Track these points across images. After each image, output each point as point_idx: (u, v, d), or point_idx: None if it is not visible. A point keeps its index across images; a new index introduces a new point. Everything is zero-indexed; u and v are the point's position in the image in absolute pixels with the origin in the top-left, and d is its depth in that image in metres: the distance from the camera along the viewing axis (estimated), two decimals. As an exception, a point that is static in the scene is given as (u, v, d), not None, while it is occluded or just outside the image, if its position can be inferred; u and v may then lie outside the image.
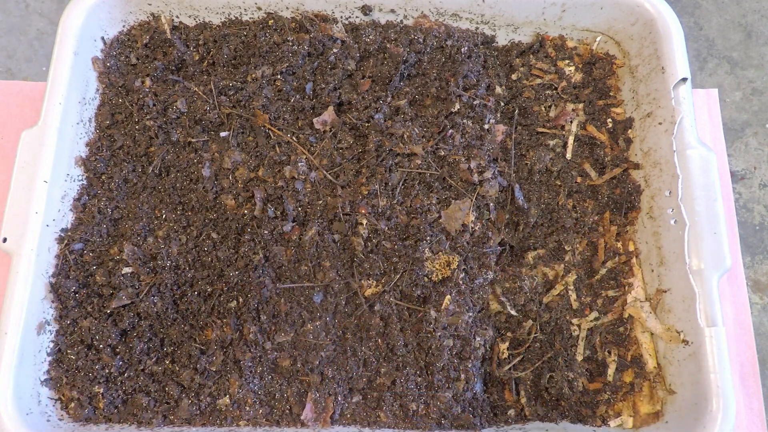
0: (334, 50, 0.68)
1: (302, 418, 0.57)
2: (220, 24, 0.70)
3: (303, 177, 0.62)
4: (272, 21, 0.69)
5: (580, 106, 0.68)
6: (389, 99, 0.66)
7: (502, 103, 0.68)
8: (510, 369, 0.60)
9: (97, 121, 0.66)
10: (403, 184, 0.62)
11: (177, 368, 0.58)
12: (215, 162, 0.64)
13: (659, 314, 0.60)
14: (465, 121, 0.64)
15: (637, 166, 0.65)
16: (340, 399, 0.58)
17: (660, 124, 0.63)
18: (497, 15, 0.69)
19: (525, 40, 0.72)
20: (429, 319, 0.58)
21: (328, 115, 0.65)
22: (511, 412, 0.59)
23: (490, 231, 0.61)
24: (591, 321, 0.61)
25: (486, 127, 0.65)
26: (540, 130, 0.67)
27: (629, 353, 0.60)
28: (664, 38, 0.63)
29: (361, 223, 0.60)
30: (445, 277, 0.59)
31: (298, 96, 0.66)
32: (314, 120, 0.65)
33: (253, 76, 0.66)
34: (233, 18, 0.69)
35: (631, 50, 0.68)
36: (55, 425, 0.56)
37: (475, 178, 0.61)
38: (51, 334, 0.58)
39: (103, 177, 0.64)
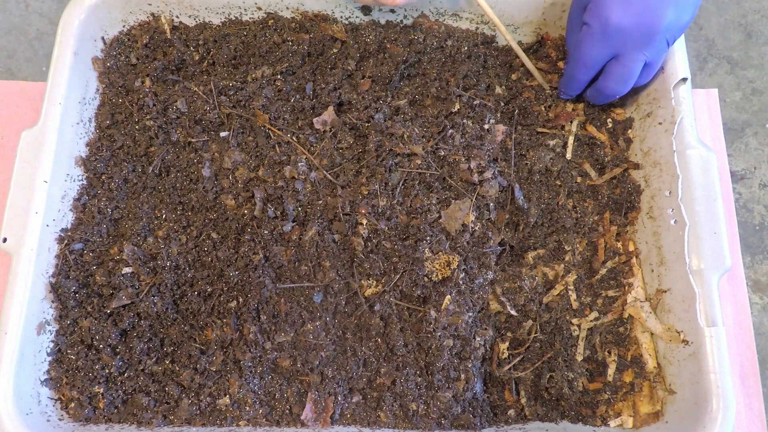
0: (334, 50, 0.68)
1: (302, 418, 0.57)
2: (220, 24, 0.70)
3: (303, 177, 0.62)
4: (272, 21, 0.69)
5: (580, 106, 0.68)
6: (389, 99, 0.66)
7: (502, 103, 0.68)
8: (510, 369, 0.60)
9: (97, 121, 0.66)
10: (403, 184, 0.62)
11: (177, 368, 0.58)
12: (215, 162, 0.64)
13: (659, 314, 0.60)
14: (465, 121, 0.64)
15: (637, 166, 0.65)
16: (340, 399, 0.58)
17: (660, 124, 0.63)
18: (497, 15, 0.69)
19: (525, 40, 0.72)
20: (429, 319, 0.58)
21: (328, 115, 0.65)
22: (511, 412, 0.59)
23: (490, 231, 0.61)
24: (591, 321, 0.61)
25: (486, 127, 0.65)
26: (540, 130, 0.67)
27: (629, 353, 0.60)
28: (664, 38, 0.63)
29: (361, 223, 0.60)
30: (445, 277, 0.59)
31: (298, 96, 0.66)
32: (314, 120, 0.65)
33: (253, 76, 0.66)
34: (233, 18, 0.69)
35: (631, 50, 0.68)
36: (55, 425, 0.56)
37: (475, 178, 0.61)
38: (51, 334, 0.58)
39: (103, 177, 0.64)
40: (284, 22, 0.69)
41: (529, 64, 0.67)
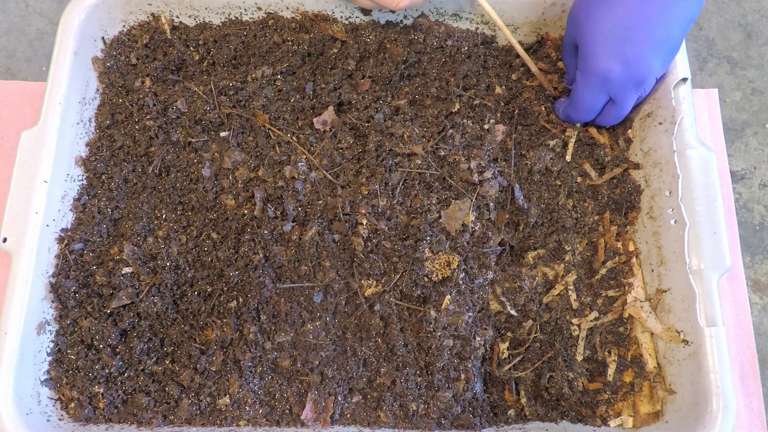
0: (334, 50, 0.68)
1: (302, 418, 0.57)
2: (220, 24, 0.70)
3: (303, 177, 0.62)
4: (272, 21, 0.69)
5: (580, 106, 0.68)
6: (389, 99, 0.66)
7: (502, 103, 0.68)
8: (510, 369, 0.60)
9: (97, 121, 0.66)
10: (403, 184, 0.62)
11: (177, 368, 0.58)
12: (215, 162, 0.64)
13: (659, 314, 0.60)
14: (465, 121, 0.64)
15: (637, 166, 0.65)
16: (340, 399, 0.58)
17: (660, 124, 0.63)
18: (497, 15, 0.69)
19: (525, 40, 0.72)
20: (429, 319, 0.58)
21: (328, 115, 0.65)
22: (511, 412, 0.59)
23: (490, 231, 0.61)
24: (591, 321, 0.61)
25: (486, 127, 0.65)
26: (540, 127, 0.67)
27: (629, 353, 0.60)
28: (664, 38, 0.63)
29: (361, 223, 0.60)
30: (445, 277, 0.59)
31: (298, 96, 0.66)
32: (314, 120, 0.65)
33: (253, 76, 0.66)
34: (233, 18, 0.69)
35: (631, 50, 0.68)
36: (55, 425, 0.56)
37: (475, 178, 0.61)
38: (51, 334, 0.58)
39: (103, 177, 0.64)
40: (284, 22, 0.69)
41: (532, 66, 0.67)
